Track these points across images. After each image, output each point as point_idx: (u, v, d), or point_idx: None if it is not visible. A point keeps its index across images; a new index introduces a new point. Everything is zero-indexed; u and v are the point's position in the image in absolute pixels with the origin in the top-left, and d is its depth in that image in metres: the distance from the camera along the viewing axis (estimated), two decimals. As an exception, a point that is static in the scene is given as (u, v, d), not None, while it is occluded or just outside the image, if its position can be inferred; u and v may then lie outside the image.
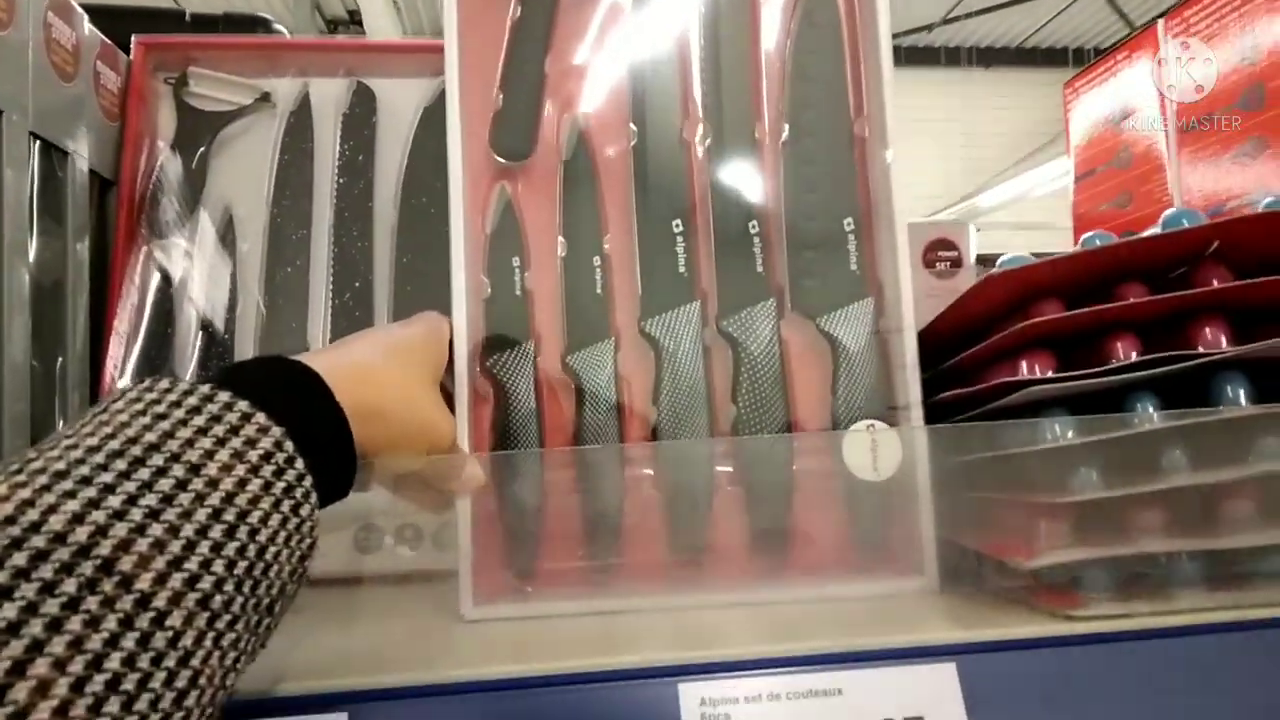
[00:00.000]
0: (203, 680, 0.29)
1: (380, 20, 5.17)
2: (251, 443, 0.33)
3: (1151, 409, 0.49)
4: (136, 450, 0.30)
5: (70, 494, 0.28)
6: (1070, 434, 0.47)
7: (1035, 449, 0.47)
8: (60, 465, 0.29)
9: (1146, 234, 0.52)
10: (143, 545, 0.28)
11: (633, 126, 0.57)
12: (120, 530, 0.27)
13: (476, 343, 0.53)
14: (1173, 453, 0.48)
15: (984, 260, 1.26)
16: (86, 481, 0.28)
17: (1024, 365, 0.51)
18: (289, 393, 0.37)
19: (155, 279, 0.68)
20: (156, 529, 0.28)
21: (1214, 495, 0.48)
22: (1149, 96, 0.85)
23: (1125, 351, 0.49)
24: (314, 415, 0.38)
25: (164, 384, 0.34)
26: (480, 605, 0.50)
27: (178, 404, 0.33)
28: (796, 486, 0.52)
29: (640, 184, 0.56)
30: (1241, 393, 0.49)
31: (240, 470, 0.32)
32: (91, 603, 0.26)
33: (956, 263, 1.07)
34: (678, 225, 0.55)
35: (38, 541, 0.26)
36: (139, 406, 0.32)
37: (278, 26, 0.98)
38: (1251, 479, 0.47)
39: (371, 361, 0.44)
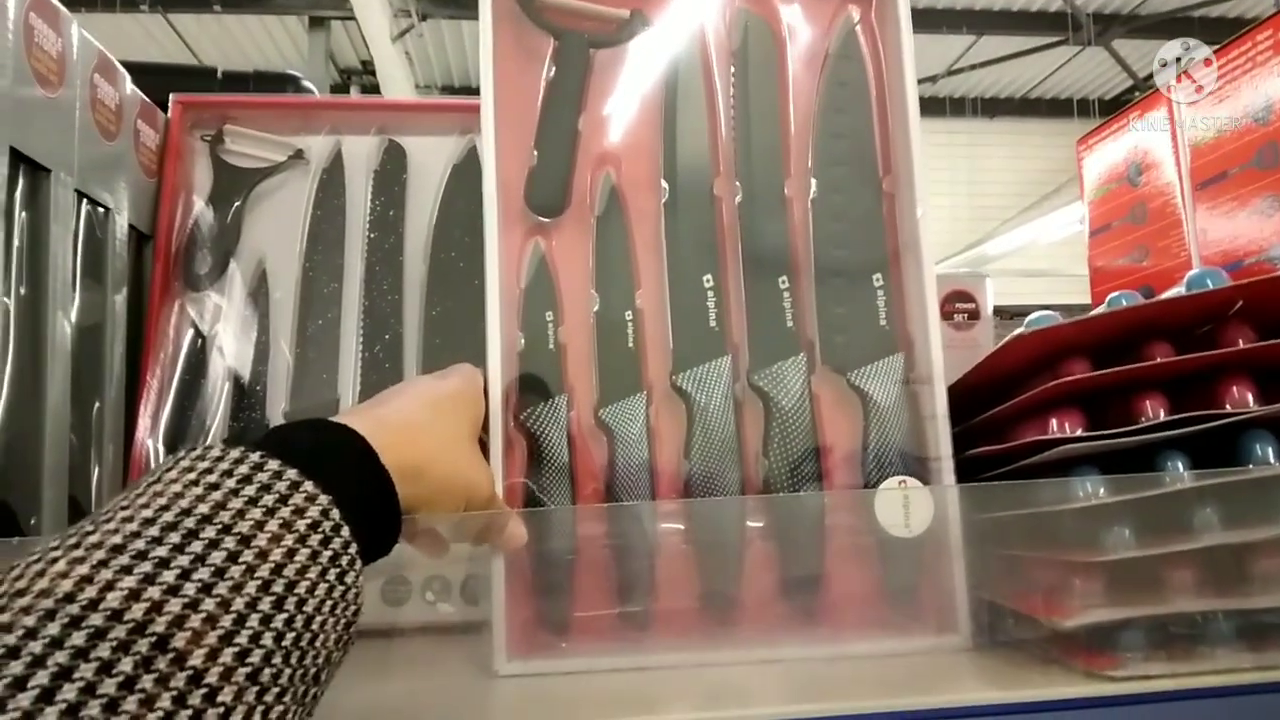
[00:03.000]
0: None
1: (392, 70, 5.27)
2: (299, 511, 0.33)
3: (1181, 467, 0.49)
4: (190, 522, 0.30)
5: (127, 569, 0.28)
6: (1103, 492, 0.48)
7: (1069, 507, 0.48)
8: (116, 539, 0.29)
9: (1172, 294, 0.53)
10: (196, 621, 0.28)
11: (664, 183, 0.58)
12: (175, 606, 0.28)
13: (510, 395, 0.54)
14: (1204, 511, 0.48)
15: (1000, 312, 1.27)
16: (142, 556, 0.29)
17: (1054, 423, 0.51)
18: (334, 458, 0.37)
19: (189, 331, 0.69)
20: (209, 603, 0.28)
21: (1246, 554, 0.48)
22: (1165, 153, 0.86)
23: (1154, 410, 0.50)
24: (359, 480, 0.38)
25: (215, 452, 0.34)
26: (514, 660, 0.50)
27: (229, 473, 0.33)
28: (828, 542, 0.52)
29: (672, 239, 0.57)
30: (1270, 451, 0.49)
31: (289, 540, 0.32)
32: (147, 681, 0.26)
33: (974, 314, 1.08)
34: (708, 280, 0.56)
35: (96, 620, 0.26)
36: (192, 476, 0.32)
37: (307, 84, 1.01)
38: (1282, 538, 0.48)
39: (413, 419, 0.44)
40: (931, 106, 7.30)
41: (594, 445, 0.55)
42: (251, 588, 0.30)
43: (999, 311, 1.16)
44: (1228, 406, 0.50)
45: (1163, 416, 0.49)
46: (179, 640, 0.27)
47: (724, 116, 0.59)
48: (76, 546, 0.29)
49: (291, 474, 0.34)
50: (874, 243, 0.58)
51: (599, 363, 0.56)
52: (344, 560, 0.34)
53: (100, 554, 0.28)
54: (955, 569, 0.51)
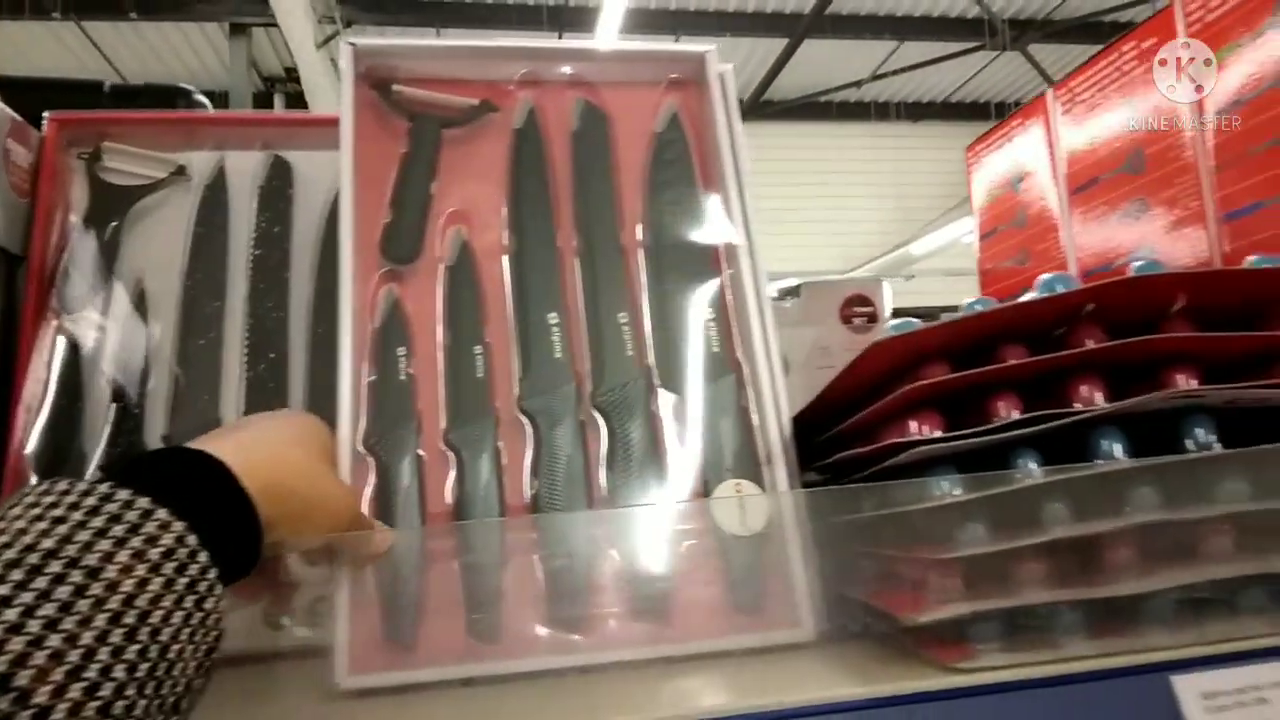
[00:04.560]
0: None
1: (317, 78, 5.18)
2: (152, 540, 0.32)
3: (1033, 465, 0.51)
4: (33, 558, 0.30)
5: None
6: (955, 491, 0.49)
7: (922, 506, 0.49)
8: None
9: (1025, 299, 0.55)
10: (40, 658, 0.27)
11: (510, 236, 0.63)
12: (17, 645, 0.27)
13: (359, 423, 0.56)
14: (1054, 506, 0.50)
15: (901, 313, 1.30)
16: None
17: (912, 425, 0.53)
18: (191, 484, 0.37)
19: (63, 353, 0.68)
20: (54, 639, 0.28)
21: (1095, 546, 0.50)
22: (1042, 160, 0.90)
23: (1007, 410, 0.52)
24: (216, 504, 0.37)
25: (62, 485, 0.33)
26: (355, 675, 0.50)
27: (76, 505, 0.32)
28: (672, 548, 0.54)
29: (518, 284, 0.62)
30: (1117, 447, 0.52)
31: (141, 570, 0.31)
32: None
33: (873, 318, 1.11)
34: (554, 318, 0.61)
35: None
36: (36, 511, 0.32)
37: (199, 98, 0.99)
38: (1129, 529, 0.50)
39: (274, 440, 0.44)
40: (857, 111, 7.46)
41: (441, 467, 0.57)
42: (101, 620, 0.30)
43: (900, 312, 1.19)
44: (1077, 405, 0.53)
45: (1015, 416, 0.51)
46: (21, 679, 0.27)
47: (567, 181, 0.65)
48: None
49: (143, 502, 0.33)
50: (703, 283, 0.63)
51: (448, 390, 0.59)
52: (201, 586, 0.34)
53: None
54: (795, 564, 0.53)
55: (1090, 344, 0.53)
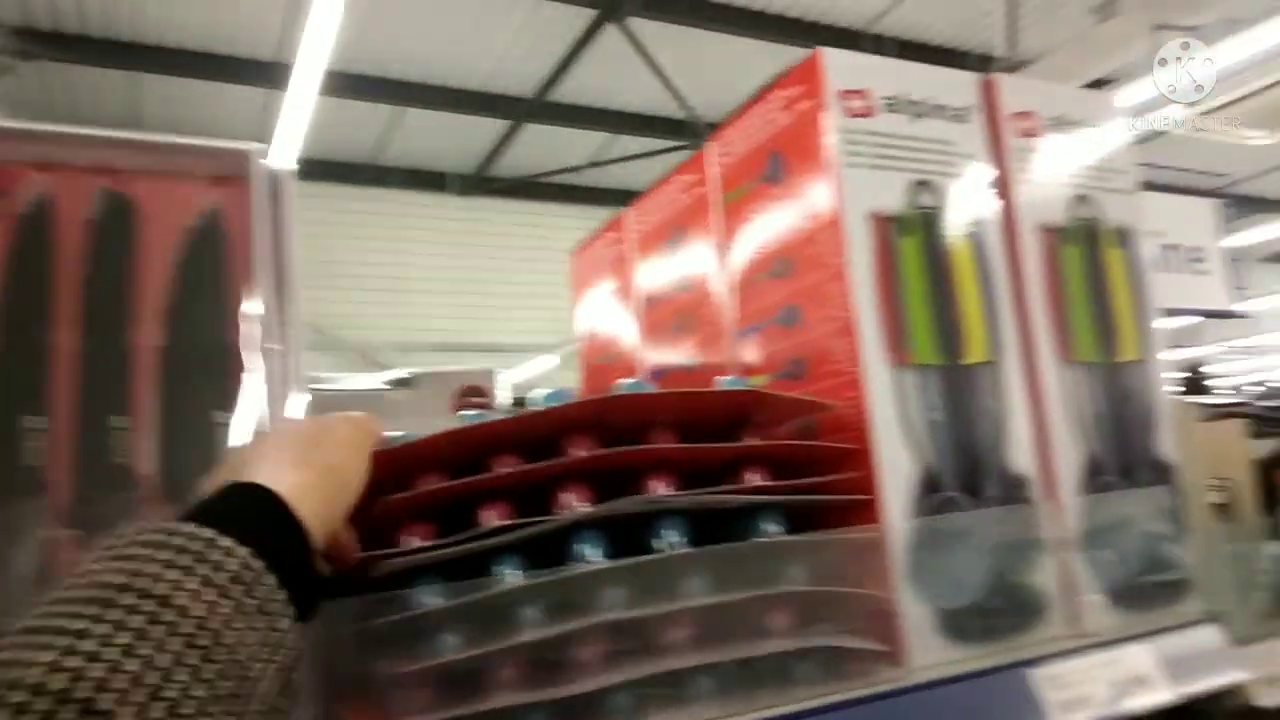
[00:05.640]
0: None
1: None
2: (218, 567, 0.35)
3: (514, 572, 0.54)
4: (107, 594, 0.32)
5: (45, 646, 0.30)
6: (429, 600, 0.51)
7: (393, 619, 0.50)
8: (34, 622, 0.31)
9: (524, 412, 0.58)
10: (120, 682, 0.30)
11: None
12: (96, 671, 0.29)
13: None
14: (529, 610, 0.53)
15: (517, 403, 1.35)
16: (60, 632, 0.30)
17: (404, 537, 0.54)
18: (250, 514, 0.40)
19: None
20: (132, 664, 0.30)
21: (563, 646, 0.54)
22: (622, 275, 0.97)
23: (488, 519, 0.55)
24: (276, 531, 0.40)
25: (132, 528, 0.36)
26: None
27: (143, 543, 0.35)
28: None
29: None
30: (594, 550, 0.56)
31: (210, 595, 0.34)
32: None
33: (487, 405, 1.15)
34: (36, 422, 0.57)
35: (16, 697, 0.28)
36: (108, 554, 0.34)
37: None
38: (594, 626, 0.54)
39: (313, 459, 0.47)
40: (575, 195, 7.79)
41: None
42: (176, 644, 0.32)
43: (520, 401, 1.24)
44: (563, 511, 0.57)
45: (495, 524, 0.54)
46: (104, 702, 0.29)
47: (75, 273, 0.61)
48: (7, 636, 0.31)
49: (207, 533, 0.36)
50: (217, 385, 0.62)
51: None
52: (273, 606, 0.36)
53: (18, 638, 0.30)
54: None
55: (576, 454, 0.58)
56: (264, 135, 5.78)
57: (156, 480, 0.57)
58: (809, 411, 0.66)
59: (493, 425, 0.57)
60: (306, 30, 3.98)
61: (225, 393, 0.60)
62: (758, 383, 0.73)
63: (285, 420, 0.52)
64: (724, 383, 0.64)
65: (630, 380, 0.63)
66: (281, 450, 0.46)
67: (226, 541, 0.36)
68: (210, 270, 0.63)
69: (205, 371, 0.60)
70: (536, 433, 0.59)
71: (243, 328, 0.62)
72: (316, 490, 0.44)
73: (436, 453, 0.56)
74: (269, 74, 5.61)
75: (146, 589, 0.33)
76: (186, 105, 6.02)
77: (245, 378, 0.61)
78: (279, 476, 0.42)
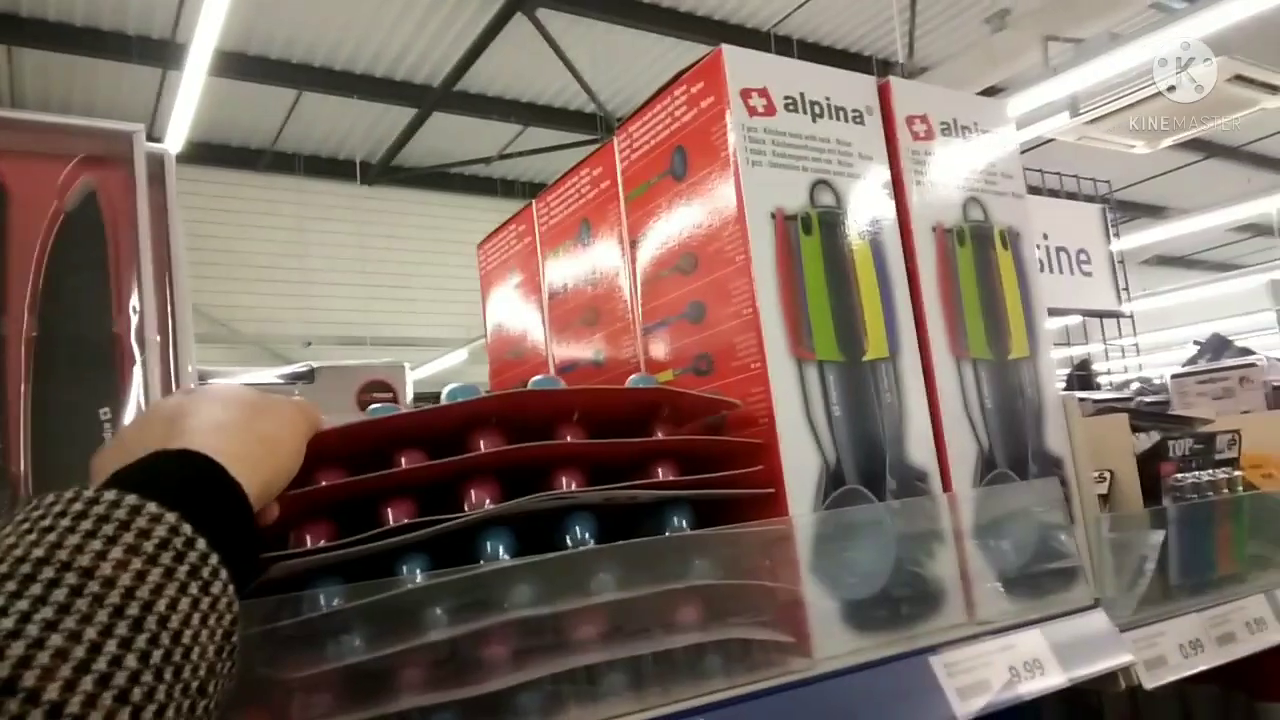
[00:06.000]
0: None
1: None
2: (145, 534, 0.34)
3: (420, 570, 0.53)
4: (25, 569, 0.31)
5: None
6: (328, 602, 0.49)
7: (296, 620, 0.49)
8: None
9: (426, 407, 0.57)
10: (44, 658, 0.28)
11: None
12: (17, 649, 0.28)
13: None
14: (434, 610, 0.52)
15: (423, 398, 1.33)
16: None
17: (303, 535, 0.52)
18: (175, 478, 0.38)
19: None
20: (56, 639, 0.29)
21: (468, 644, 0.53)
22: (530, 269, 0.96)
23: (395, 517, 0.53)
24: (204, 493, 0.38)
25: (49, 498, 0.34)
26: None
27: (62, 514, 0.33)
28: None
29: None
30: (501, 547, 0.56)
31: (137, 564, 0.33)
32: None
33: (394, 400, 1.12)
34: None
35: None
36: (25, 526, 0.33)
37: None
38: (504, 624, 0.53)
39: (233, 419, 0.45)
40: (484, 186, 7.69)
41: None
42: (103, 615, 0.31)
43: (421, 397, 1.21)
44: (467, 508, 0.56)
45: (401, 522, 0.53)
46: (28, 679, 0.28)
47: None
48: None
49: (131, 499, 0.34)
50: (95, 378, 0.58)
51: None
52: (205, 572, 0.35)
53: None
54: None
55: (483, 447, 0.57)
56: (158, 118, 5.52)
57: (29, 479, 0.53)
58: (717, 409, 0.67)
59: (397, 419, 0.56)
60: (203, 7, 3.80)
61: (107, 386, 0.57)
62: (665, 379, 0.73)
63: (223, 386, 0.49)
64: (634, 380, 0.64)
65: (540, 376, 0.62)
66: (215, 413, 0.44)
67: (152, 507, 0.35)
68: (86, 256, 0.59)
69: (83, 363, 0.57)
70: (443, 429, 0.58)
71: (126, 317, 0.59)
72: (255, 459, 0.43)
73: (337, 447, 0.54)
74: (161, 53, 5.36)
75: (67, 561, 0.31)
76: (70, 84, 5.70)
77: (128, 370, 0.58)
78: (211, 440, 0.41)
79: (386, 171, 7.41)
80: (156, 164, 0.63)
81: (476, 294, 1.07)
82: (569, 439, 0.61)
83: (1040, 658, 0.65)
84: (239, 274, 6.79)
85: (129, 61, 5.39)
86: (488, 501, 0.56)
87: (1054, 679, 0.65)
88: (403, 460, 0.56)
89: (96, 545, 0.32)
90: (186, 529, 0.35)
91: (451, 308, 7.26)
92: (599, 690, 0.56)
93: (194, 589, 0.34)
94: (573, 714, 0.54)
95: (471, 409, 0.57)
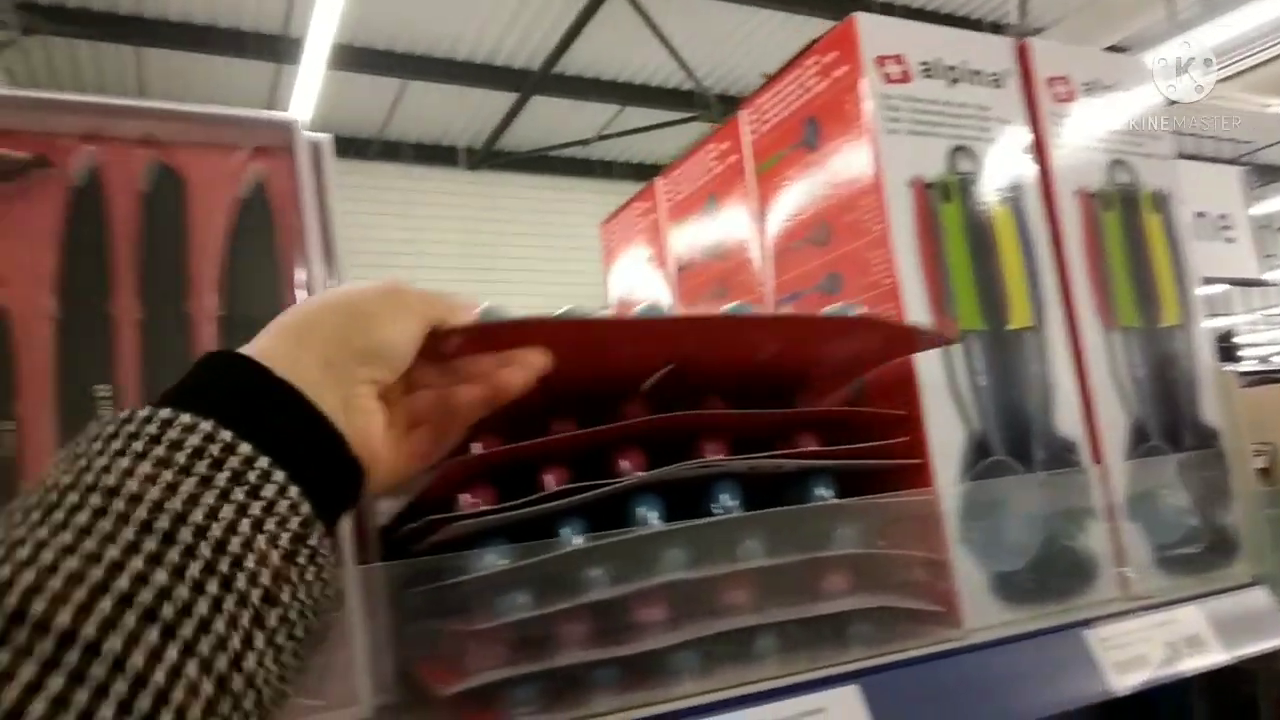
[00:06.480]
0: (177, 694, 0.27)
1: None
2: (176, 445, 0.32)
3: (576, 534, 0.55)
4: (51, 497, 0.30)
5: None
6: (498, 561, 0.52)
7: (465, 578, 0.51)
8: None
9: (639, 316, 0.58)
10: (55, 583, 0.27)
11: (58, 301, 0.58)
12: (27, 578, 0.27)
13: None
14: (593, 571, 0.54)
15: None
16: None
17: (465, 499, 0.55)
18: (218, 385, 0.36)
19: None
20: (71, 562, 0.28)
21: (627, 606, 0.55)
22: (655, 242, 0.98)
23: (551, 483, 0.55)
24: (254, 396, 0.36)
25: (92, 426, 0.33)
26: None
27: (95, 437, 0.32)
28: None
29: (63, 353, 0.57)
30: (652, 514, 0.57)
31: (168, 475, 0.31)
32: (3, 657, 0.25)
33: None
34: (104, 390, 0.56)
35: None
36: (62, 458, 0.32)
37: None
38: (659, 587, 0.55)
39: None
40: (583, 169, 7.75)
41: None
42: (129, 532, 0.29)
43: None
44: (619, 476, 0.57)
45: (556, 488, 0.55)
46: (37, 606, 0.26)
47: (131, 246, 0.60)
48: None
49: (164, 413, 0.33)
50: None
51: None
52: (251, 475, 0.33)
53: None
54: (355, 642, 0.53)
55: (630, 418, 0.58)
56: (272, 110, 5.74)
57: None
58: (919, 340, 0.65)
59: (605, 323, 0.57)
60: (315, 3, 3.95)
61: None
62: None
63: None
64: (833, 310, 0.63)
65: (737, 303, 0.63)
66: (283, 318, 0.42)
67: (186, 418, 0.33)
68: (260, 241, 0.63)
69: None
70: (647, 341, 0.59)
71: (297, 296, 0.62)
72: (311, 354, 0.39)
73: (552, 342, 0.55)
74: (275, 48, 5.57)
75: (94, 483, 0.30)
76: (191, 80, 5.99)
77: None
78: (264, 343, 0.39)
79: (489, 156, 7.55)
80: (317, 152, 0.66)
81: (582, 275, 1.09)
82: (712, 409, 0.62)
83: (1200, 634, 0.63)
84: (350, 259, 7.03)
85: (245, 57, 5.63)
86: (636, 469, 0.58)
87: (1215, 656, 0.63)
88: (556, 429, 0.58)
89: (124, 463, 0.31)
90: (225, 435, 0.33)
91: (554, 287, 7.35)
92: (748, 653, 0.57)
93: (239, 494, 0.32)
94: (722, 675, 0.56)
95: (676, 325, 0.59)
